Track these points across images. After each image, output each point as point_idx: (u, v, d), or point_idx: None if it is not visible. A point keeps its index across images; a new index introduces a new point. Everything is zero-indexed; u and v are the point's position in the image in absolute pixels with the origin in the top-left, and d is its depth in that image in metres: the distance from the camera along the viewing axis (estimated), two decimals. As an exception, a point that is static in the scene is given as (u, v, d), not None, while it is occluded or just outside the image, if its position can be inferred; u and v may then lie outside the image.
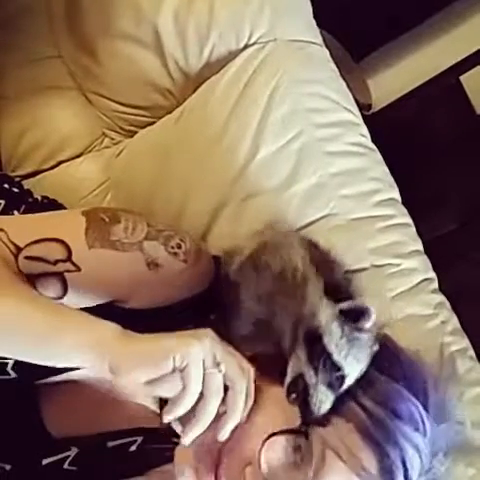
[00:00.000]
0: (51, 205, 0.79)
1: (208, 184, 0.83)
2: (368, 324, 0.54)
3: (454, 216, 1.26)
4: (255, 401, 0.53)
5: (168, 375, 0.47)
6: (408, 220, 0.86)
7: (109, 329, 0.50)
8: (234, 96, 0.83)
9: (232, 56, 0.84)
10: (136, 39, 0.86)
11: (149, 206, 0.87)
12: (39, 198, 0.78)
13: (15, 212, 0.72)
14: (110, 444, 0.66)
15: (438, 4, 1.27)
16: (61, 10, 0.92)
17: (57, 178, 0.95)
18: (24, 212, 0.72)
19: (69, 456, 0.64)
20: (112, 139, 0.96)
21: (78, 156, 0.96)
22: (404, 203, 0.89)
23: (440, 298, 0.83)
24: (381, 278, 0.80)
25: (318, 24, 0.90)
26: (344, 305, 0.54)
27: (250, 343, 0.59)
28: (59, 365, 0.49)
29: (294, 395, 0.53)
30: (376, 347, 0.57)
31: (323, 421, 0.54)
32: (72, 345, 0.49)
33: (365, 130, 0.87)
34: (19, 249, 0.57)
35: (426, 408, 0.56)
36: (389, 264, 0.80)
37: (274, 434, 0.53)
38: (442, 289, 0.85)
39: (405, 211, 0.87)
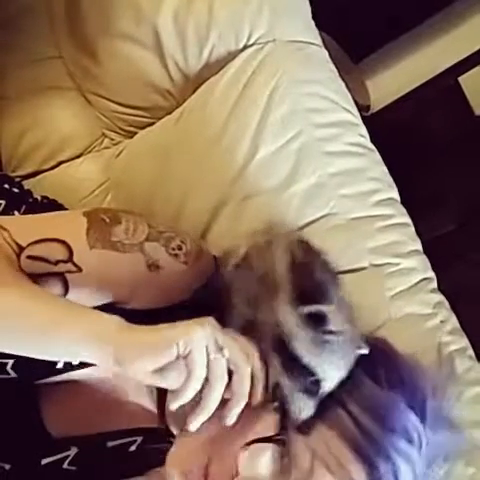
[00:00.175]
0: (51, 205, 0.79)
1: (208, 184, 0.83)
2: (329, 326, 0.53)
3: (452, 217, 1.26)
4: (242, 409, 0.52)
5: (174, 363, 0.47)
6: (407, 220, 0.86)
7: (112, 322, 0.50)
8: (233, 97, 0.83)
9: (231, 57, 0.85)
10: (136, 39, 0.86)
11: (149, 206, 0.88)
12: (39, 198, 0.78)
13: (15, 212, 0.72)
14: (110, 444, 0.66)
15: (436, 5, 1.27)
16: (61, 11, 0.93)
17: (57, 178, 0.95)
18: (24, 212, 0.72)
19: (69, 456, 0.64)
20: (112, 140, 0.96)
21: (78, 156, 0.96)
22: (403, 204, 0.89)
23: (439, 297, 0.83)
24: (380, 277, 0.80)
25: (316, 25, 0.90)
26: (306, 309, 0.54)
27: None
28: (62, 358, 0.50)
29: (276, 403, 0.53)
30: (364, 350, 0.56)
31: (304, 428, 0.54)
32: (76, 337, 0.49)
33: (364, 130, 0.88)
34: (21, 248, 0.57)
35: (423, 417, 0.55)
36: (388, 263, 0.81)
37: (252, 442, 0.53)
38: (441, 289, 0.86)
39: (404, 211, 0.87)
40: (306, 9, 0.88)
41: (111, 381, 0.66)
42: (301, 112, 0.82)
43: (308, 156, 0.81)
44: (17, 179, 0.85)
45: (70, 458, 0.64)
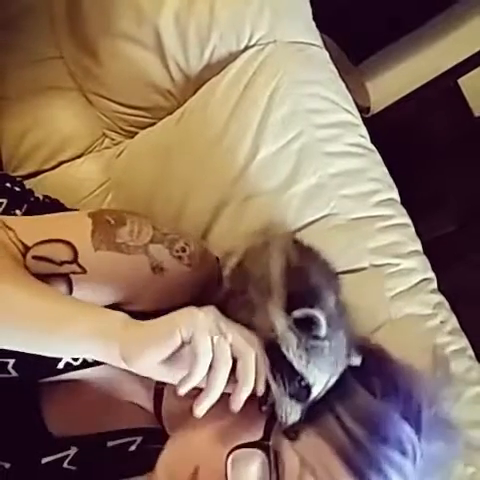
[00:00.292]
0: (53, 204, 0.79)
1: (208, 184, 0.83)
2: (320, 331, 0.53)
3: (452, 217, 1.26)
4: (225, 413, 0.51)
5: (180, 351, 0.48)
6: (407, 220, 0.87)
7: (118, 318, 0.51)
8: (234, 97, 0.83)
9: (232, 57, 0.85)
10: (137, 40, 0.86)
11: (149, 206, 0.88)
12: (41, 197, 0.78)
13: (17, 211, 0.72)
14: (110, 444, 0.66)
15: (436, 7, 1.28)
16: (62, 11, 0.93)
17: (58, 178, 0.95)
18: (26, 211, 0.72)
19: (69, 455, 0.64)
20: (112, 140, 0.96)
21: (79, 156, 0.96)
22: (402, 204, 0.89)
23: (439, 298, 0.84)
24: (380, 278, 0.80)
25: (317, 27, 0.91)
26: (297, 313, 0.54)
27: None
28: (67, 355, 0.51)
29: (265, 407, 0.53)
30: (356, 362, 0.56)
31: (291, 434, 0.54)
32: (81, 334, 0.50)
33: (364, 131, 0.88)
34: (27, 248, 0.58)
35: (418, 428, 0.54)
36: (388, 264, 0.81)
37: (237, 447, 0.52)
38: (441, 290, 0.86)
39: (404, 211, 0.87)
40: (307, 10, 0.89)
41: (111, 381, 0.66)
42: (302, 113, 0.83)
43: (309, 156, 0.81)
44: (18, 179, 0.84)
45: (70, 457, 0.64)
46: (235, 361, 0.50)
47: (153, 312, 0.62)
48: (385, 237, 0.82)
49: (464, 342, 0.81)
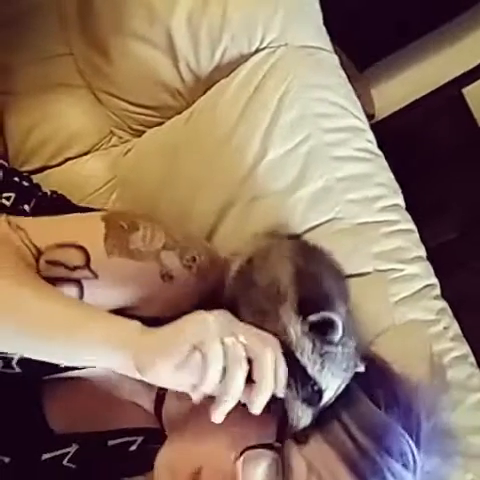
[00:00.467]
0: (60, 200, 0.79)
1: (215, 184, 0.83)
2: (336, 336, 0.53)
3: (455, 225, 1.27)
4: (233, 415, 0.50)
5: (192, 357, 0.47)
6: (412, 226, 0.87)
7: (133, 327, 0.50)
8: (244, 99, 0.84)
9: (243, 59, 0.85)
10: (148, 39, 0.86)
11: (155, 205, 0.88)
12: (48, 192, 0.78)
13: (25, 206, 0.72)
14: (110, 443, 0.66)
15: (442, 17, 1.29)
16: (73, 8, 0.93)
17: (63, 175, 0.95)
18: (34, 206, 0.73)
19: (69, 452, 0.64)
20: (120, 138, 0.97)
21: (85, 154, 0.96)
22: (406, 211, 0.89)
23: (442, 304, 0.84)
24: (384, 283, 0.80)
25: (324, 33, 0.92)
26: (313, 317, 0.54)
27: None
28: (78, 363, 0.50)
29: (273, 406, 0.52)
30: (362, 368, 0.57)
31: (301, 438, 0.54)
32: (94, 342, 0.49)
33: (371, 136, 0.89)
34: (40, 252, 0.58)
35: (417, 441, 0.55)
36: (392, 269, 0.81)
37: (249, 448, 0.52)
38: (443, 296, 0.86)
39: (409, 217, 0.87)
40: (318, 16, 0.89)
41: (113, 381, 0.66)
42: (310, 116, 0.83)
43: (316, 160, 0.81)
44: (25, 174, 0.84)
45: (70, 455, 0.64)
46: (251, 363, 0.49)
47: (158, 318, 0.63)
48: (390, 242, 0.82)
49: (466, 349, 0.81)
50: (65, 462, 0.64)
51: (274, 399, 0.50)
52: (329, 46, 0.90)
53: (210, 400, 0.48)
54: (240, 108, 0.83)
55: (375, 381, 0.58)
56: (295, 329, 0.54)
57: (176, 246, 0.63)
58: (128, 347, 0.48)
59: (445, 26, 1.31)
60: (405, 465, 0.53)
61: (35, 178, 0.86)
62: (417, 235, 0.87)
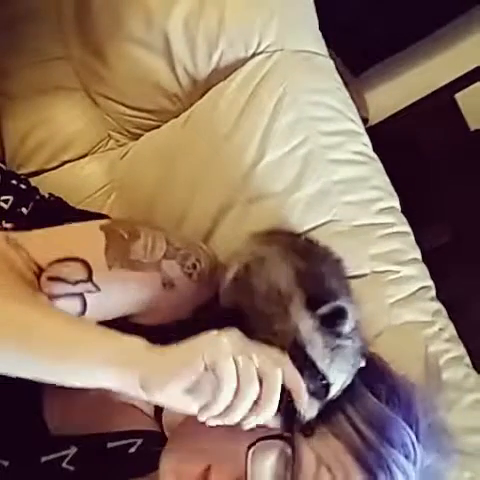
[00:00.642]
0: (57, 203, 0.79)
1: (213, 187, 0.84)
2: (346, 325, 0.55)
3: (449, 229, 1.28)
4: None
5: (204, 377, 0.45)
6: (407, 229, 0.88)
7: (138, 346, 0.48)
8: (241, 103, 0.84)
9: (240, 63, 0.86)
10: (145, 43, 0.87)
11: (152, 208, 0.88)
12: (46, 195, 0.78)
13: (23, 209, 0.72)
14: (110, 445, 0.65)
15: (436, 23, 1.30)
16: (70, 12, 0.93)
17: (61, 178, 0.95)
18: (32, 209, 0.73)
19: (68, 455, 0.64)
20: (117, 141, 0.97)
21: (82, 157, 0.96)
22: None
23: (437, 306, 0.85)
24: (381, 284, 0.81)
25: (319, 38, 0.92)
26: (323, 310, 0.55)
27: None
28: (80, 384, 0.47)
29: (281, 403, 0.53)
30: (363, 363, 0.58)
31: (307, 430, 0.55)
32: (97, 363, 0.47)
33: (367, 139, 0.90)
34: (41, 269, 0.57)
35: (417, 435, 0.56)
36: (389, 271, 0.82)
37: (259, 439, 0.52)
38: (438, 298, 0.87)
39: (405, 220, 0.88)
40: (314, 21, 0.90)
41: None
42: (307, 120, 0.84)
43: (313, 163, 0.82)
44: (22, 176, 0.84)
45: (69, 457, 0.64)
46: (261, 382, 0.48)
47: (158, 325, 0.63)
48: (386, 244, 0.83)
49: (461, 350, 0.82)
50: (64, 464, 0.63)
51: (282, 391, 0.49)
52: (325, 51, 0.91)
53: None
54: (237, 112, 0.84)
55: (375, 376, 0.59)
56: (306, 324, 0.54)
57: (177, 254, 0.63)
58: (134, 366, 0.46)
59: (438, 32, 1.33)
60: (407, 456, 0.55)
61: (32, 181, 0.86)
62: (412, 237, 0.88)
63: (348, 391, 0.56)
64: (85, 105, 0.95)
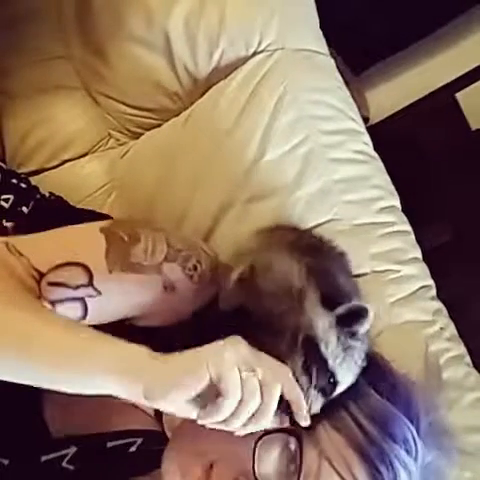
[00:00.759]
0: (58, 202, 0.79)
1: (213, 186, 0.84)
2: (366, 323, 0.55)
3: (449, 228, 1.28)
4: None
5: (207, 387, 0.46)
6: (408, 228, 0.88)
7: (142, 355, 0.47)
8: (241, 101, 0.84)
9: (240, 62, 0.86)
10: (146, 42, 0.87)
11: (153, 207, 0.88)
12: (47, 194, 0.78)
13: (24, 208, 0.72)
14: (109, 444, 0.65)
15: (437, 22, 1.30)
16: (71, 11, 0.93)
17: (61, 177, 0.95)
18: (33, 208, 0.72)
19: (68, 454, 0.64)
20: (117, 140, 0.97)
21: (83, 156, 0.96)
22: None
23: (438, 305, 0.85)
24: (381, 284, 0.81)
25: (320, 37, 0.92)
26: (341, 309, 0.55)
27: (248, 336, 0.58)
28: (80, 390, 0.47)
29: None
30: (365, 363, 0.58)
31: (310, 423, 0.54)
32: (101, 370, 0.47)
33: (367, 138, 0.90)
34: (41, 275, 0.57)
35: (418, 432, 0.57)
36: (389, 270, 0.82)
37: (266, 433, 0.53)
38: (439, 297, 0.87)
39: (405, 219, 0.88)
40: (314, 20, 0.90)
41: None
42: (307, 119, 0.84)
43: (314, 162, 0.82)
44: (23, 175, 0.84)
45: (69, 456, 0.64)
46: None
47: (159, 327, 0.63)
48: (387, 244, 0.83)
49: (462, 349, 0.82)
50: (64, 464, 0.63)
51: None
52: (325, 49, 0.91)
53: None
54: (238, 110, 0.84)
55: (378, 374, 0.60)
56: (323, 322, 0.54)
57: (178, 256, 0.62)
58: (137, 375, 0.46)
59: (439, 31, 1.33)
60: (408, 451, 0.55)
61: (33, 180, 0.86)
62: (413, 237, 0.88)
63: (351, 388, 0.57)
64: (86, 104, 0.95)
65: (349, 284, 0.61)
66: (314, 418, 0.53)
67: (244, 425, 0.47)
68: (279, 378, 0.49)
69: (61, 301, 0.56)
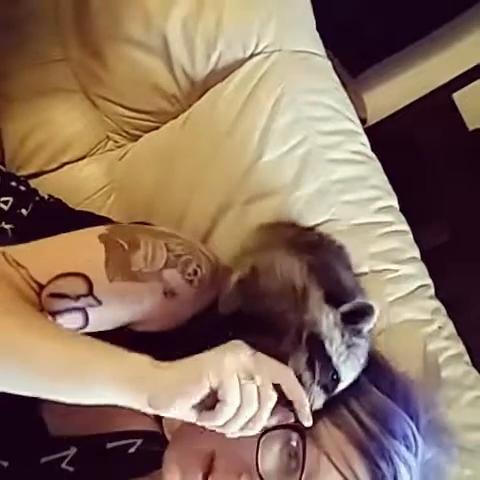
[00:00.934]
0: (57, 204, 0.80)
1: (212, 187, 0.84)
2: (371, 321, 0.55)
3: (447, 228, 1.28)
4: None
5: (210, 395, 0.46)
6: (406, 227, 0.88)
7: (143, 364, 0.48)
8: (239, 103, 0.85)
9: (238, 64, 0.86)
10: (144, 44, 0.87)
11: (151, 209, 0.89)
12: (46, 197, 0.79)
13: (23, 210, 0.72)
14: (109, 445, 0.65)
15: (433, 22, 1.31)
16: (69, 13, 0.93)
17: (60, 179, 0.95)
18: (32, 211, 0.73)
19: (68, 455, 0.64)
20: (116, 142, 0.97)
21: (82, 158, 0.96)
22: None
23: (437, 304, 0.85)
24: (380, 283, 0.81)
25: (317, 39, 0.93)
26: (345, 307, 0.55)
27: (250, 337, 0.58)
28: (85, 401, 0.48)
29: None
30: (366, 361, 0.58)
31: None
32: (104, 380, 0.47)
33: (365, 139, 0.90)
34: (41, 287, 0.56)
35: (418, 429, 0.57)
36: (388, 270, 0.82)
37: (269, 430, 0.53)
38: (437, 296, 0.87)
39: (403, 219, 0.89)
40: (311, 21, 0.91)
41: None
42: (305, 120, 0.84)
43: (312, 162, 0.82)
44: (22, 178, 0.85)
45: (69, 458, 0.64)
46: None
47: (158, 332, 0.63)
48: (385, 243, 0.83)
49: (461, 347, 0.82)
50: (63, 465, 0.63)
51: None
52: (322, 51, 0.91)
53: None
54: (235, 112, 0.84)
55: (378, 372, 0.60)
56: (327, 319, 0.55)
57: (178, 262, 0.62)
58: (140, 384, 0.46)
59: (435, 32, 1.33)
60: (407, 446, 0.56)
61: (32, 182, 0.86)
62: (411, 236, 0.88)
63: (353, 385, 0.57)
64: (84, 107, 0.96)
65: (351, 279, 0.62)
66: (315, 415, 0.53)
67: (241, 429, 0.48)
68: (281, 379, 0.50)
69: (62, 312, 0.56)
